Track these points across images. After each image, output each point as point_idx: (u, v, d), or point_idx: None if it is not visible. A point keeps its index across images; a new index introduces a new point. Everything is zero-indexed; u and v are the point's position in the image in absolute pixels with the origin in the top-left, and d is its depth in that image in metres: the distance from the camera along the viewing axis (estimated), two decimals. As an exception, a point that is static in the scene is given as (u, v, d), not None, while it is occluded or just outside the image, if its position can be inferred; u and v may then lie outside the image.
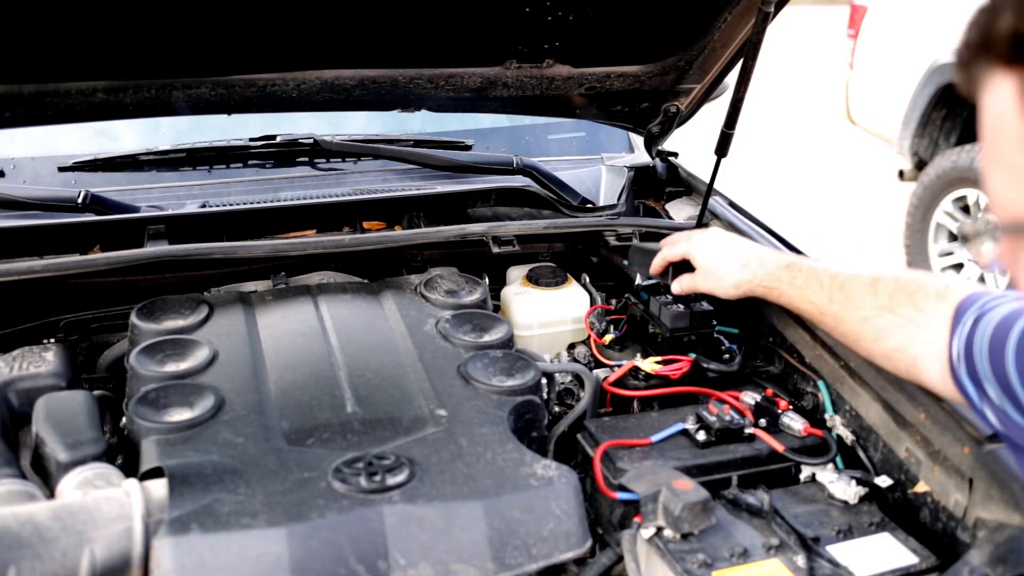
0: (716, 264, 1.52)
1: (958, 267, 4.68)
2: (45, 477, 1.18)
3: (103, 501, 1.03)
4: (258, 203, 1.98)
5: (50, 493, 1.14)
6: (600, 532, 1.24)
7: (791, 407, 1.40)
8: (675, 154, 2.18)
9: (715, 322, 1.60)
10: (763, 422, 1.36)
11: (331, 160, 2.18)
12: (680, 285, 1.58)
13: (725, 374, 1.53)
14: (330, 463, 1.12)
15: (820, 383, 1.44)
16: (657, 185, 2.13)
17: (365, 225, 1.93)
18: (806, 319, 1.43)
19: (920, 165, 4.86)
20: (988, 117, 0.70)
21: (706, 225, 1.90)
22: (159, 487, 1.07)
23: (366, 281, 1.70)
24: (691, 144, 2.43)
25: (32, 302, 1.60)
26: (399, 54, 1.67)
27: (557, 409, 1.51)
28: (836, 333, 1.36)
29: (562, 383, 1.53)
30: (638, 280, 1.78)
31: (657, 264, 1.63)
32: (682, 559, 1.08)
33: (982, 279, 4.53)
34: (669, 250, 1.60)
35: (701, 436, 1.31)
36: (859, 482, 1.24)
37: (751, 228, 1.84)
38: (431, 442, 1.18)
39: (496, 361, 1.38)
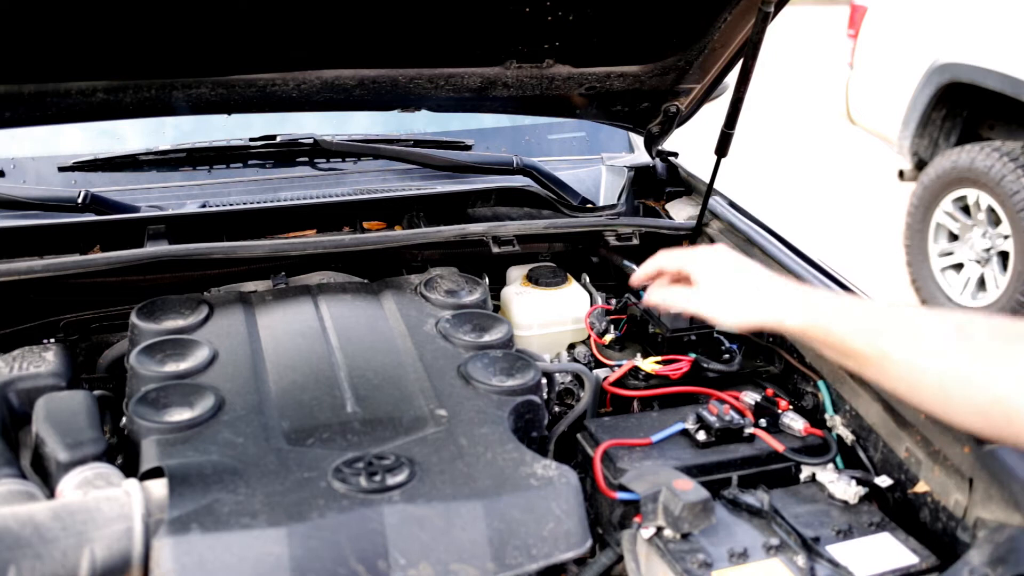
0: (726, 285, 1.25)
1: (958, 267, 4.68)
2: (45, 477, 1.18)
3: (103, 501, 1.03)
4: (258, 203, 1.99)
5: (50, 493, 1.14)
6: (600, 532, 1.24)
7: (791, 407, 1.41)
8: (675, 154, 2.18)
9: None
10: (763, 422, 1.36)
11: (331, 160, 2.18)
12: (666, 297, 1.34)
13: (725, 374, 1.54)
14: (330, 463, 1.12)
15: (820, 383, 1.44)
16: (657, 185, 2.13)
17: (365, 225, 1.93)
18: (855, 363, 1.14)
19: (920, 165, 4.86)
20: None
21: (706, 225, 1.90)
22: (159, 487, 1.07)
23: (366, 281, 1.70)
24: (691, 144, 2.43)
25: (32, 302, 1.60)
26: (399, 54, 1.68)
27: (557, 409, 1.51)
28: (904, 383, 1.09)
29: (562, 383, 1.53)
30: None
31: (647, 271, 1.40)
32: (682, 559, 1.08)
33: (982, 281, 4.53)
34: (666, 258, 1.36)
35: (701, 436, 1.31)
36: (859, 482, 1.24)
37: (751, 228, 1.84)
38: (431, 442, 1.18)
39: (496, 361, 1.38)
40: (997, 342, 1.03)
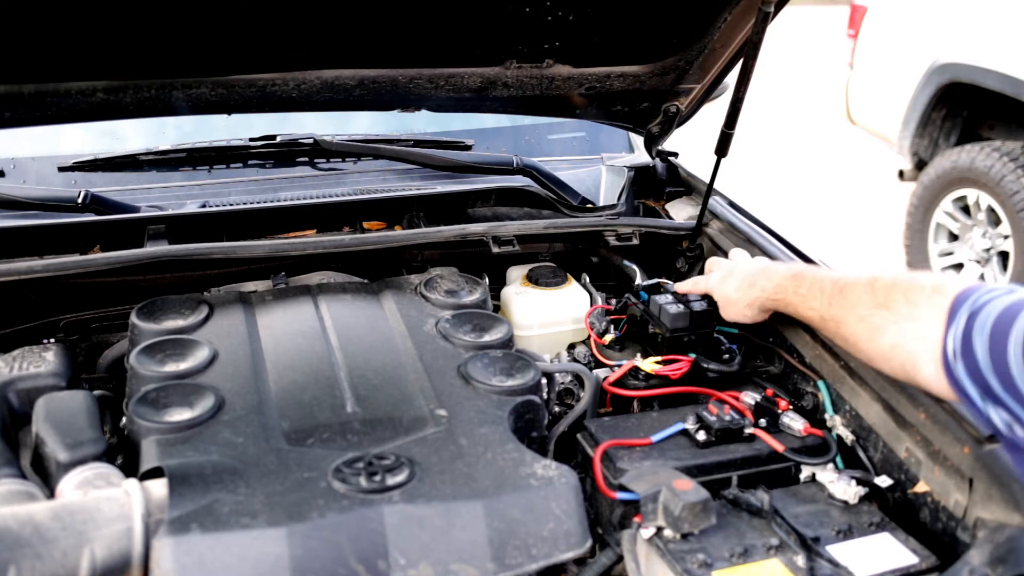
0: (728, 292, 1.53)
1: (958, 267, 4.68)
2: (45, 477, 1.18)
3: (103, 501, 1.03)
4: (258, 203, 1.98)
5: (50, 493, 1.14)
6: (600, 532, 1.24)
7: (791, 407, 1.40)
8: (675, 154, 2.18)
9: (715, 322, 1.60)
10: (763, 422, 1.36)
11: (331, 160, 2.18)
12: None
13: (725, 374, 1.53)
14: (330, 463, 1.12)
15: (820, 383, 1.44)
16: (657, 185, 2.13)
17: (365, 225, 1.93)
18: (812, 327, 1.41)
19: (920, 165, 4.86)
20: None
21: (706, 225, 1.90)
22: (159, 487, 1.07)
23: (366, 281, 1.70)
24: (691, 144, 2.43)
25: (32, 302, 1.60)
26: (399, 54, 1.67)
27: (557, 409, 1.51)
28: (837, 338, 1.33)
29: (562, 383, 1.53)
30: (638, 280, 1.78)
31: (681, 290, 1.66)
32: (682, 559, 1.08)
33: (982, 280, 4.53)
34: (693, 287, 1.64)
35: (701, 436, 1.31)
36: (859, 482, 1.24)
37: (751, 228, 1.84)
38: (431, 442, 1.18)
39: (496, 361, 1.38)
40: (895, 296, 1.20)
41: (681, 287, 1.65)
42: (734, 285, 1.52)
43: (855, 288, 1.28)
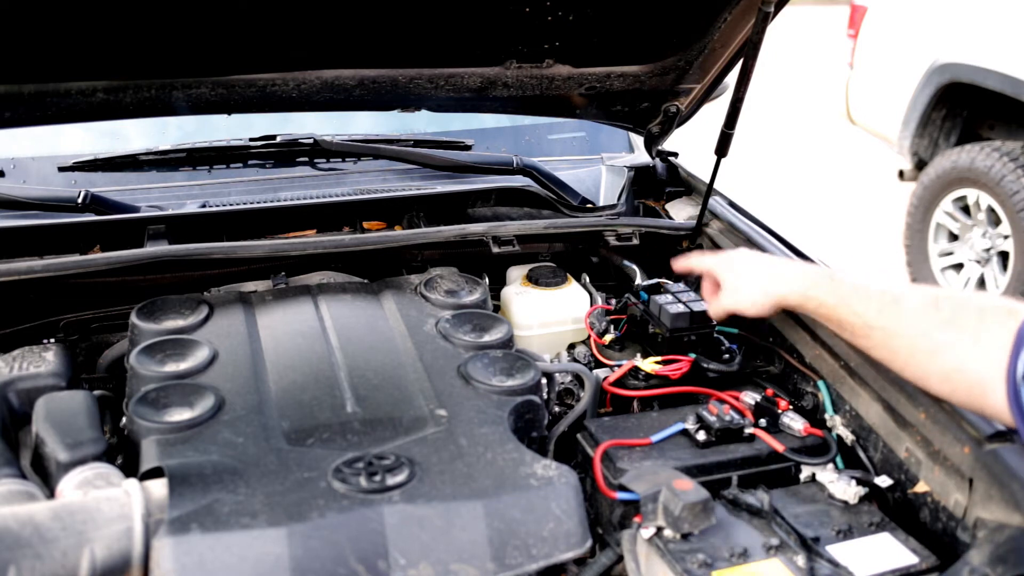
0: (743, 277, 1.40)
1: (958, 267, 4.68)
2: (45, 477, 1.19)
3: (103, 501, 1.03)
4: (258, 203, 1.98)
5: (50, 493, 1.14)
6: (600, 532, 1.24)
7: (791, 407, 1.40)
8: (675, 154, 2.18)
9: (715, 322, 1.60)
10: (763, 422, 1.36)
11: (331, 160, 2.18)
12: (708, 303, 1.52)
13: (725, 374, 1.53)
14: (330, 463, 1.12)
15: (820, 383, 1.44)
16: (657, 185, 2.13)
17: (365, 225, 1.93)
18: (847, 333, 1.30)
19: (920, 165, 4.86)
20: None
21: (706, 225, 1.90)
22: (159, 487, 1.07)
23: (366, 281, 1.70)
24: (691, 144, 2.43)
25: (32, 302, 1.60)
26: (399, 54, 1.68)
27: (557, 409, 1.51)
28: (884, 350, 1.23)
29: (562, 383, 1.53)
30: (638, 280, 1.78)
31: (680, 267, 1.56)
32: (682, 559, 1.08)
33: (982, 280, 4.53)
34: (696, 260, 1.52)
35: (701, 436, 1.31)
36: (859, 482, 1.24)
37: (751, 228, 1.84)
38: (431, 442, 1.19)
39: (496, 361, 1.38)
40: (965, 314, 1.13)
41: (679, 266, 1.53)
42: (749, 273, 1.40)
43: (913, 300, 1.19)
